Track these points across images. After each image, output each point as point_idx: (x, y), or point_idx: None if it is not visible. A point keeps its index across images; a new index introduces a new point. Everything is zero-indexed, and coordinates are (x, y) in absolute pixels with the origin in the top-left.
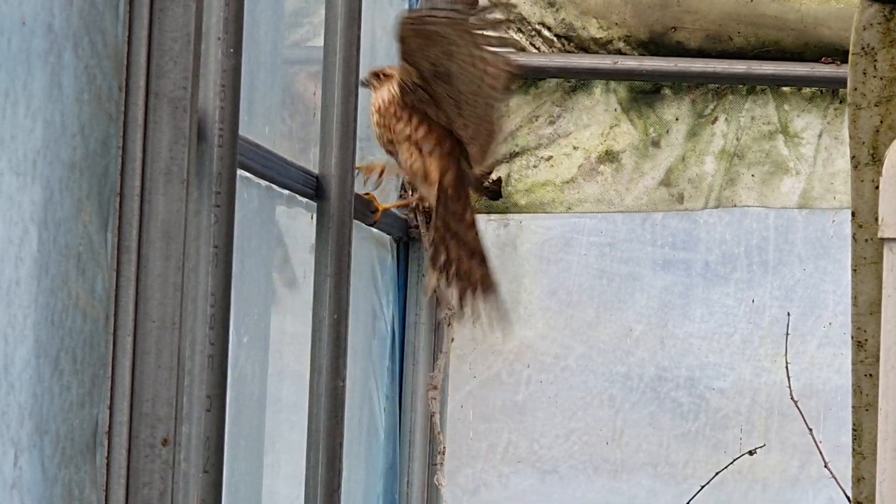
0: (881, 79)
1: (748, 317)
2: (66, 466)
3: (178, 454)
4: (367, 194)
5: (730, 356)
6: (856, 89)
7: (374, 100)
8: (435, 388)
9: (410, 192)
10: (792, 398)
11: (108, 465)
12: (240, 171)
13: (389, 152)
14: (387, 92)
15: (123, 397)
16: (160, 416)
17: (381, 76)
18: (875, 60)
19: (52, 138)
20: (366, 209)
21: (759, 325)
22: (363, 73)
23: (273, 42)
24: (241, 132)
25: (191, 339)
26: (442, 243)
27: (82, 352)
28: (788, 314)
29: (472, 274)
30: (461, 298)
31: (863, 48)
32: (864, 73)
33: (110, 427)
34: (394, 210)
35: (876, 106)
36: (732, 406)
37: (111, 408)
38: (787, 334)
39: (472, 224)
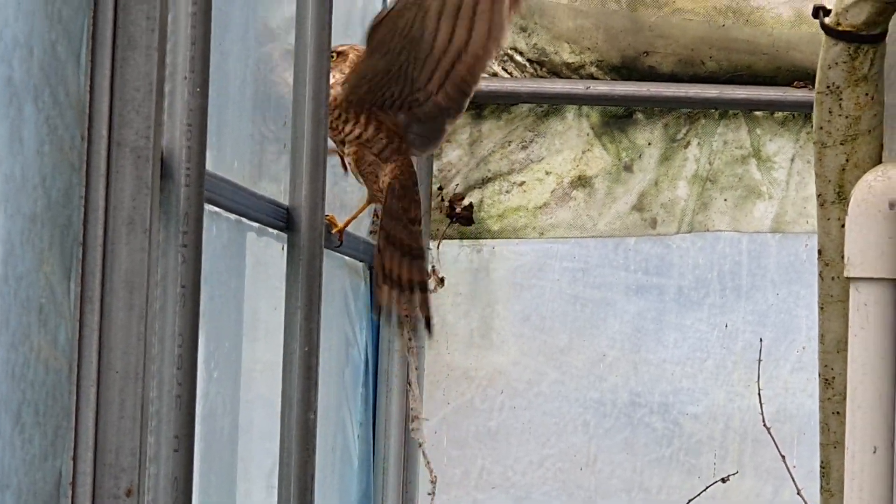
0: (847, 117)
1: (721, 342)
2: None
3: (145, 499)
4: (326, 216)
5: (703, 381)
6: (821, 128)
7: None
8: (416, 418)
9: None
10: (765, 425)
11: None
12: (209, 207)
13: (340, 154)
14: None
15: (87, 448)
16: (124, 466)
17: (335, 55)
18: (840, 99)
19: (12, 192)
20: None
21: (733, 350)
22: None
23: (242, 74)
24: (210, 167)
25: (158, 380)
26: (385, 252)
27: (45, 404)
28: (761, 340)
29: (406, 279)
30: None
31: (828, 87)
32: (830, 112)
33: (74, 478)
34: (366, 237)
35: (842, 144)
36: (706, 431)
37: (75, 459)
38: (760, 360)
39: (416, 221)
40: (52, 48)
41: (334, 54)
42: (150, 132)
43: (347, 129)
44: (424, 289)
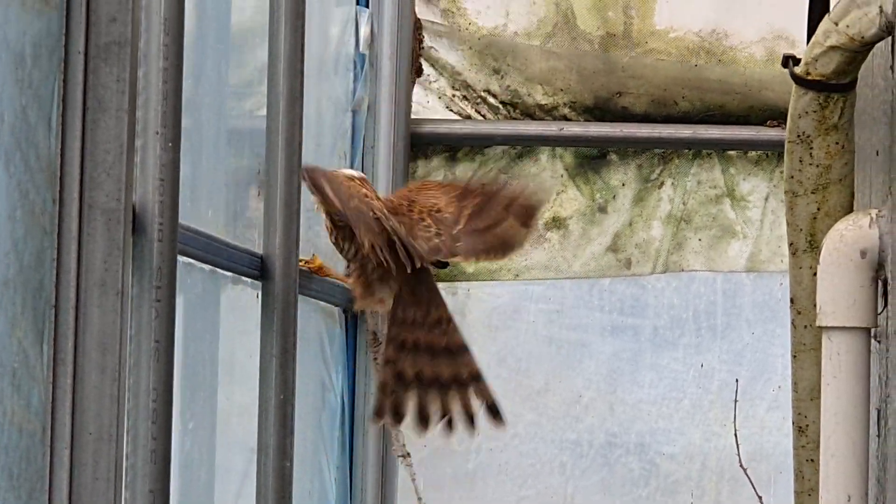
0: (817, 166)
1: (697, 381)
2: None
3: None
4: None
5: (679, 421)
6: (792, 177)
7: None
8: (407, 455)
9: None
10: (741, 465)
11: None
12: (183, 258)
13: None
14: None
15: None
16: None
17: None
18: (811, 148)
19: None
20: (314, 286)
21: (709, 389)
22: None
23: (215, 123)
24: (183, 219)
25: (133, 435)
26: (400, 361)
27: (18, 467)
28: (737, 379)
29: (443, 377)
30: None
31: (798, 136)
32: (801, 161)
33: None
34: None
35: (813, 193)
36: (683, 471)
37: None
38: (736, 400)
39: (439, 321)
40: (22, 113)
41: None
42: (122, 194)
43: (346, 246)
44: (477, 378)
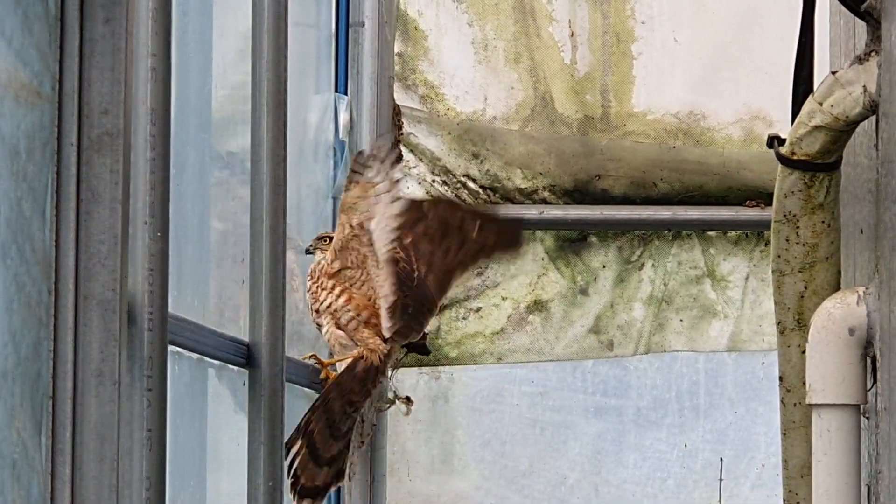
0: (804, 245)
1: (681, 461)
2: None
3: None
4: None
5: (664, 501)
6: (779, 256)
7: (311, 266)
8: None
9: None
10: None
11: None
12: (171, 347)
13: (318, 325)
14: (320, 257)
15: None
16: None
17: (327, 240)
18: (797, 227)
19: None
20: (300, 372)
21: (693, 469)
22: (310, 241)
23: (200, 213)
24: (171, 308)
25: None
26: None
27: None
28: (721, 458)
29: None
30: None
31: (785, 216)
32: (787, 241)
33: None
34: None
35: (800, 272)
36: None
37: None
38: (721, 479)
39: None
40: (17, 205)
41: (326, 239)
42: (117, 284)
43: (323, 296)
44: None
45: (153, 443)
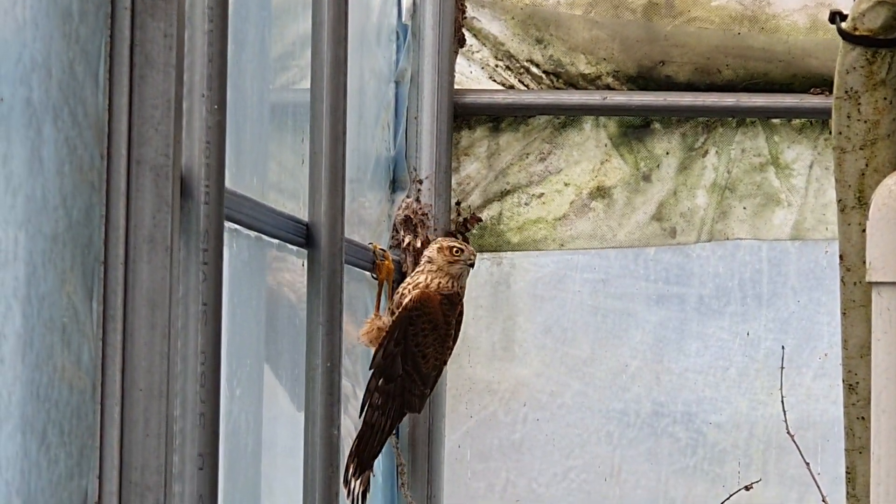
0: (865, 122)
1: (743, 350)
2: None
3: None
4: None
5: (726, 390)
6: (840, 133)
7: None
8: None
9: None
10: (788, 433)
11: None
12: (229, 224)
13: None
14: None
15: (112, 467)
16: (149, 484)
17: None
18: (859, 104)
19: (33, 212)
20: (359, 254)
21: (755, 358)
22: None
23: (259, 90)
24: (228, 185)
25: (182, 398)
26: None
27: (70, 423)
28: (783, 347)
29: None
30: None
31: (846, 92)
32: (849, 117)
33: (100, 498)
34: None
35: (861, 149)
36: (730, 440)
37: (100, 478)
38: (783, 367)
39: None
40: (70, 68)
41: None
42: (170, 150)
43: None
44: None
45: (209, 317)
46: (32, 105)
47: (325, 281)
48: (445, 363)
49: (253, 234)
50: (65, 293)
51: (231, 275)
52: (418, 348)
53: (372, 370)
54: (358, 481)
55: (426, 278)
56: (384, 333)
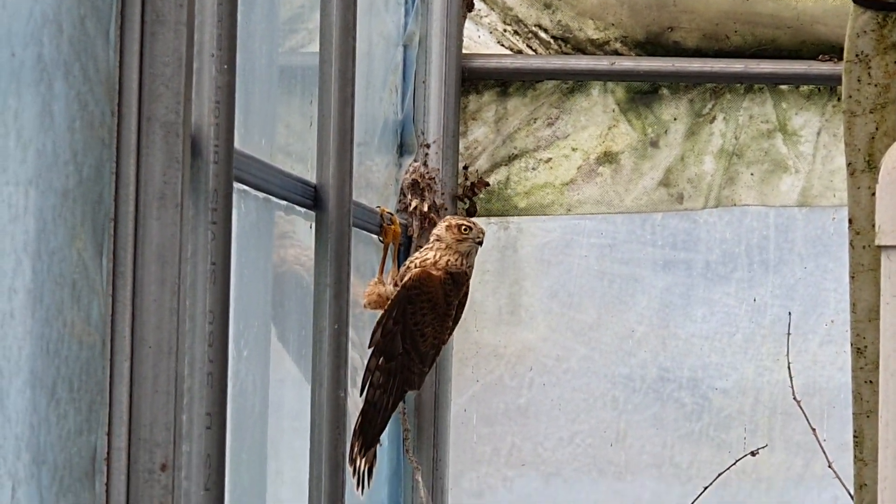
0: (876, 85)
1: (750, 316)
2: (65, 495)
3: (179, 475)
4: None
5: (732, 356)
6: (850, 96)
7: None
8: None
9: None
10: (795, 398)
11: (107, 492)
12: (237, 185)
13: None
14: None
15: (121, 423)
16: (158, 441)
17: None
18: (869, 67)
19: (44, 167)
20: (367, 217)
21: (761, 324)
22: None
23: (268, 52)
24: (237, 145)
25: (190, 357)
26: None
27: (79, 379)
28: (790, 313)
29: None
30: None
31: (857, 55)
32: (859, 80)
33: (109, 454)
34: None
35: (871, 113)
36: (735, 406)
37: (109, 434)
38: (789, 333)
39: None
40: (81, 24)
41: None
42: (180, 107)
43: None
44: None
45: (217, 276)
46: (43, 61)
47: (332, 243)
48: (444, 342)
49: (261, 195)
50: (75, 249)
51: (239, 236)
52: (417, 327)
53: (371, 349)
54: (363, 459)
55: (434, 255)
56: (384, 303)
